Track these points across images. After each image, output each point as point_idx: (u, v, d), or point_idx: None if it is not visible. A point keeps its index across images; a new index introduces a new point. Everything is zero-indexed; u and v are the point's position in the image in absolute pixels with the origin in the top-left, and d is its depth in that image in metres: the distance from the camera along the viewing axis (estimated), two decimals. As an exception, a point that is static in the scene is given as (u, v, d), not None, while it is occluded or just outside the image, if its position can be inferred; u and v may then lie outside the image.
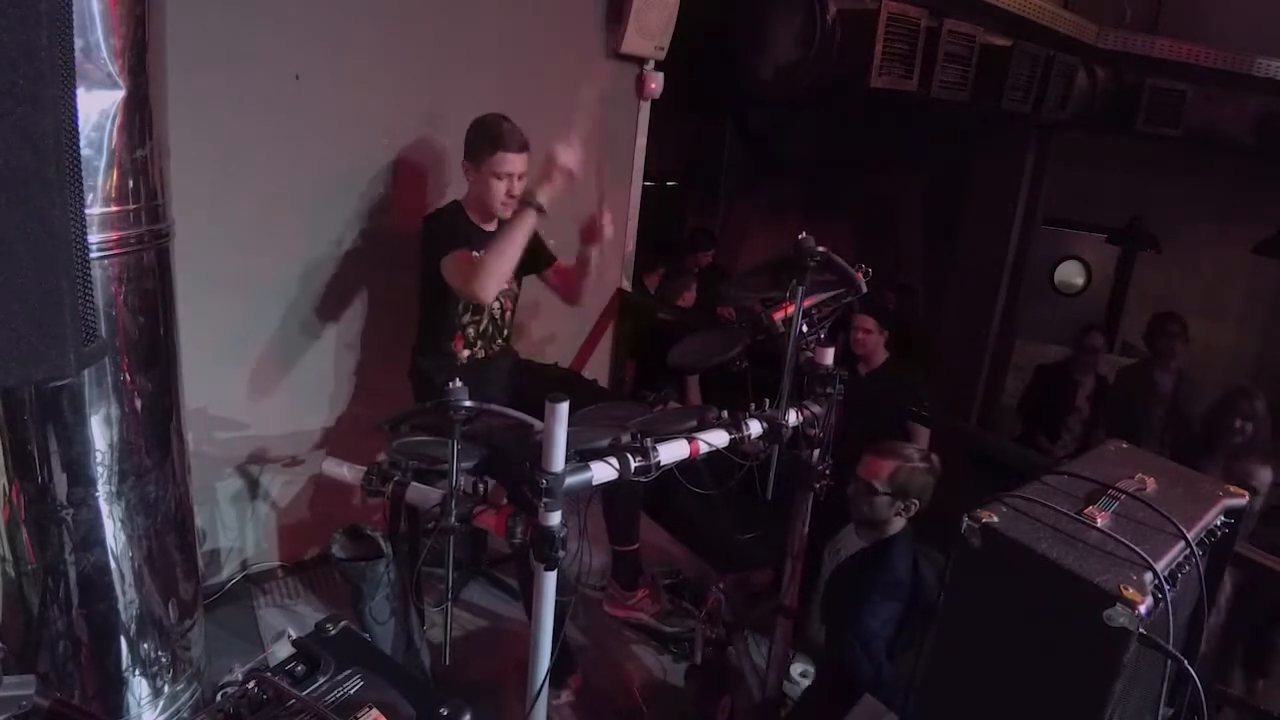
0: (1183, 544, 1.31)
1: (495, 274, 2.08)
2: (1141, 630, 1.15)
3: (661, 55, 3.28)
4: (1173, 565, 1.27)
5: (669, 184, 6.44)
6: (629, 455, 1.53)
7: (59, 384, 1.54)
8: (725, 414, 1.76)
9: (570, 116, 3.17)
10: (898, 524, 2.23)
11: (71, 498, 1.63)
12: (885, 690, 2.04)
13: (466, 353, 2.44)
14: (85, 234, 0.85)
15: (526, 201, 2.10)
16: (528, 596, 1.87)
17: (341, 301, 2.69)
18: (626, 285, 3.63)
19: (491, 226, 2.43)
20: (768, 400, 1.82)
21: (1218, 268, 6.16)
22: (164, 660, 1.86)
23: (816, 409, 1.93)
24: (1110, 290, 6.55)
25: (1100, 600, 1.17)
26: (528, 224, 2.11)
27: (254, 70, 2.33)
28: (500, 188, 2.30)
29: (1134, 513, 1.38)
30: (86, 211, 0.91)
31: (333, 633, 1.10)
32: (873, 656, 2.05)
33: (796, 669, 2.37)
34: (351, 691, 1.00)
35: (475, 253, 2.24)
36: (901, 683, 1.97)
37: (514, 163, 2.29)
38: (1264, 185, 5.24)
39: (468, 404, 1.44)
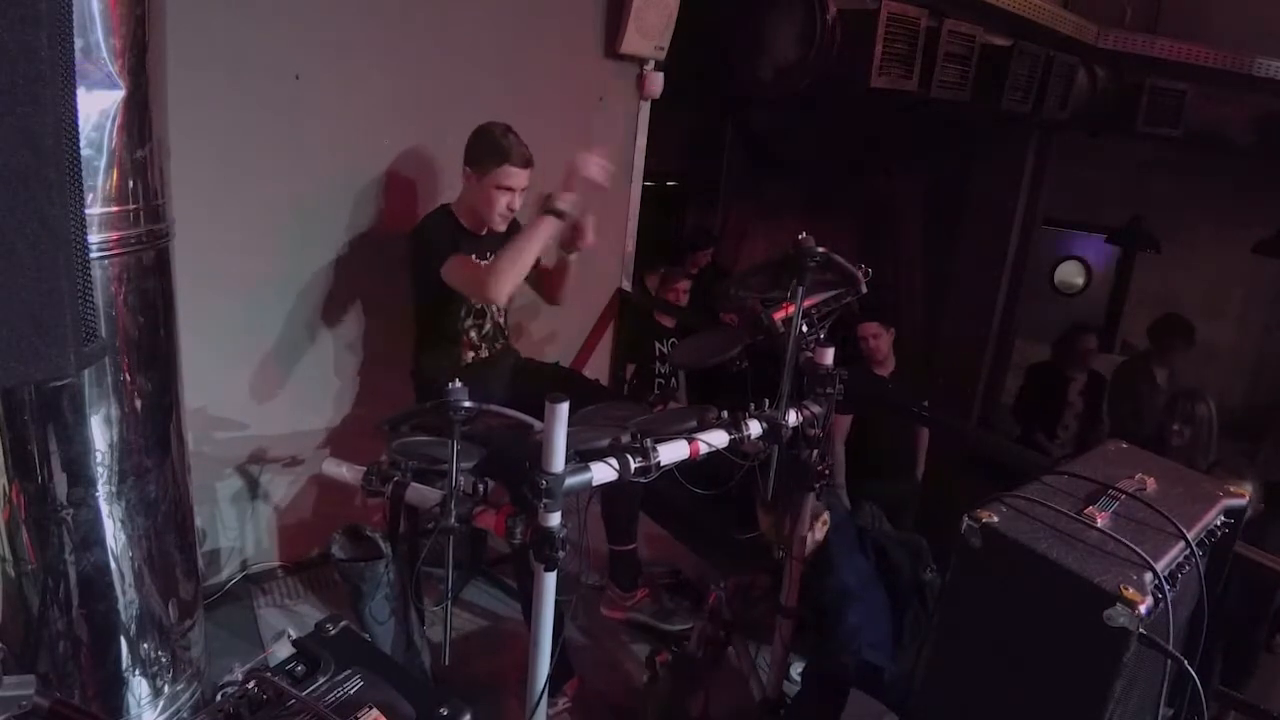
0: (1183, 544, 1.31)
1: (510, 275, 2.06)
2: (1141, 630, 1.15)
3: (661, 55, 3.28)
4: (1173, 565, 1.27)
5: (669, 184, 6.44)
6: (629, 456, 1.53)
7: (59, 384, 1.54)
8: (725, 414, 1.76)
9: (577, 117, 3.17)
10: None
11: (71, 498, 1.62)
12: (885, 689, 2.03)
13: (470, 355, 2.44)
14: (85, 234, 0.85)
15: (548, 208, 2.08)
16: (525, 599, 1.87)
17: (342, 301, 2.69)
18: (627, 285, 3.63)
19: (481, 233, 2.43)
20: (768, 400, 1.82)
21: (1218, 268, 6.16)
22: (164, 660, 1.85)
23: (816, 409, 1.93)
24: (1110, 290, 6.55)
25: (1100, 600, 1.17)
26: (548, 228, 2.09)
27: (254, 70, 2.32)
28: (501, 201, 2.30)
29: (1134, 513, 1.38)
30: (86, 211, 0.91)
31: (333, 633, 1.10)
32: (852, 654, 2.03)
33: (796, 669, 2.37)
34: (351, 691, 1.00)
35: (476, 258, 2.24)
36: (901, 682, 1.97)
37: (518, 178, 2.28)
38: (1264, 185, 5.24)
39: (468, 404, 1.44)
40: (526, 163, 2.28)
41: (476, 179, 2.31)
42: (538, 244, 2.09)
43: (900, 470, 3.75)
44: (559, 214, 2.07)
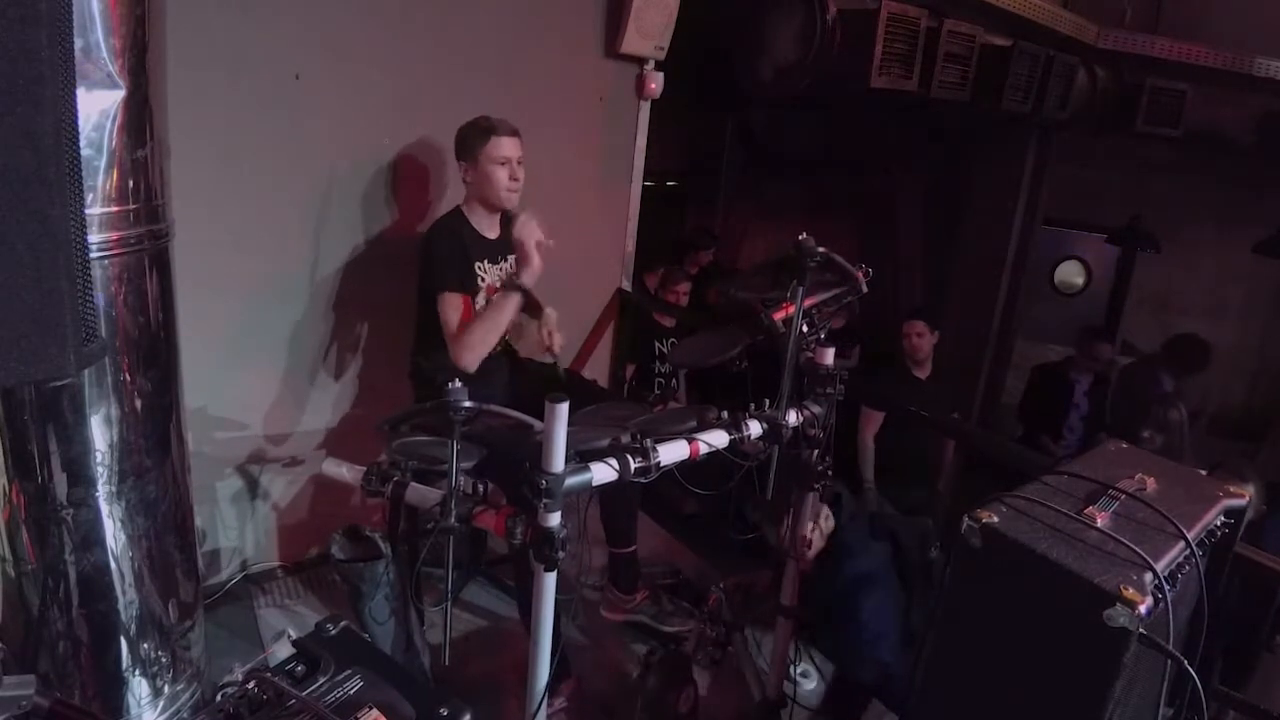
0: (1183, 544, 1.31)
1: (480, 347, 2.21)
2: (1141, 630, 1.15)
3: (661, 55, 3.28)
4: (1173, 565, 1.27)
5: (669, 184, 6.44)
6: (629, 456, 1.53)
7: (59, 384, 1.54)
8: (725, 414, 1.76)
9: (577, 117, 3.18)
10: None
11: (71, 498, 1.62)
12: (889, 690, 2.03)
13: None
14: (85, 234, 0.85)
15: (509, 284, 2.26)
16: (524, 601, 1.87)
17: (342, 301, 2.69)
18: (626, 285, 3.63)
19: (494, 233, 2.44)
20: (768, 400, 1.82)
21: (1218, 267, 6.15)
22: (164, 660, 1.86)
23: (816, 409, 1.93)
24: (1110, 290, 6.54)
25: (1100, 600, 1.17)
26: (512, 303, 2.25)
27: (254, 70, 2.32)
28: (502, 174, 2.32)
29: (1134, 513, 1.38)
30: (86, 211, 0.91)
31: (333, 633, 1.10)
32: (871, 653, 2.03)
33: (797, 669, 2.37)
34: (351, 691, 0.99)
35: (476, 295, 2.31)
36: (901, 682, 1.97)
37: (510, 146, 2.32)
38: (1264, 185, 5.23)
39: (467, 404, 1.44)
40: (513, 132, 2.33)
41: (472, 168, 2.34)
42: (505, 318, 2.26)
43: (916, 475, 3.75)
44: (520, 289, 2.23)
